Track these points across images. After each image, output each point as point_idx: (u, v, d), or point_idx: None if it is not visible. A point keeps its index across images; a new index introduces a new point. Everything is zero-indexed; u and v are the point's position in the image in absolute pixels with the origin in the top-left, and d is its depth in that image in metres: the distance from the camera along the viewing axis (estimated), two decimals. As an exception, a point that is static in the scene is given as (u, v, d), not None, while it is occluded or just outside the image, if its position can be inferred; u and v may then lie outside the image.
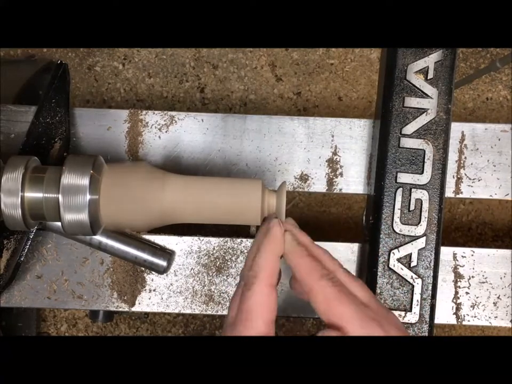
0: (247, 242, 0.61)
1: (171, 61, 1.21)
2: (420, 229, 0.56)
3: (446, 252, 0.61)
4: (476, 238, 1.19)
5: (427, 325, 0.56)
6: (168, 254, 0.59)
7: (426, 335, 0.56)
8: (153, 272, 0.60)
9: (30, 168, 0.47)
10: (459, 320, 0.61)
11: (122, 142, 0.63)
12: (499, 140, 0.63)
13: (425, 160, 0.57)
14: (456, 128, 0.63)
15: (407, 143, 0.57)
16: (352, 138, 0.63)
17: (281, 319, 1.11)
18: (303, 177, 0.63)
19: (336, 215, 1.16)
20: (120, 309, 0.61)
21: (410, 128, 0.57)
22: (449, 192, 0.62)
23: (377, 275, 0.56)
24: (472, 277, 0.61)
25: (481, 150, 0.63)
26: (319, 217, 1.16)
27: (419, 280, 0.56)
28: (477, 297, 0.61)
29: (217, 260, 0.61)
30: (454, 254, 0.62)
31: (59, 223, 0.47)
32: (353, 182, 0.63)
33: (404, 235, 0.56)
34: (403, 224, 0.56)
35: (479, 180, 0.63)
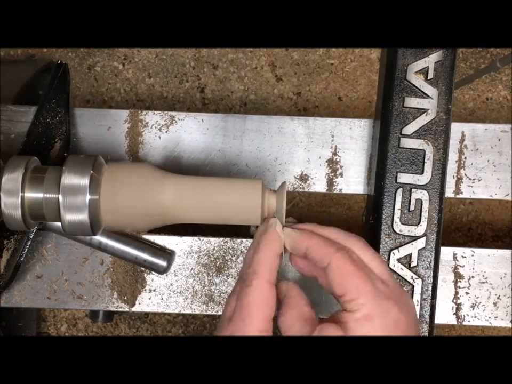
0: (247, 242, 0.61)
1: (171, 61, 1.21)
2: (420, 229, 0.56)
3: (446, 252, 0.61)
4: (476, 238, 1.19)
5: (427, 325, 0.56)
6: (168, 254, 0.59)
7: (427, 335, 0.56)
8: (153, 272, 0.60)
9: (30, 169, 0.47)
10: (459, 320, 0.61)
11: (122, 142, 0.63)
12: (499, 140, 0.63)
13: (425, 160, 0.57)
14: (456, 128, 0.63)
15: (407, 143, 0.57)
16: (352, 139, 0.63)
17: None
18: (303, 177, 0.63)
19: (336, 215, 1.16)
20: (120, 309, 0.61)
21: (410, 128, 0.57)
22: (449, 192, 0.62)
23: (377, 275, 0.56)
24: (472, 277, 0.61)
25: (481, 150, 0.63)
26: (319, 217, 1.16)
27: (419, 280, 0.56)
28: (477, 298, 0.61)
29: (217, 260, 0.61)
30: (454, 254, 0.62)
31: (59, 223, 0.47)
32: (353, 182, 0.63)
33: (404, 235, 0.56)
34: (403, 224, 0.56)
35: (479, 180, 0.63)
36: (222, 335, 0.42)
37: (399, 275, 0.56)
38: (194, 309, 0.61)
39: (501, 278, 0.61)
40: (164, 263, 0.59)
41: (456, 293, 0.61)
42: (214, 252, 0.61)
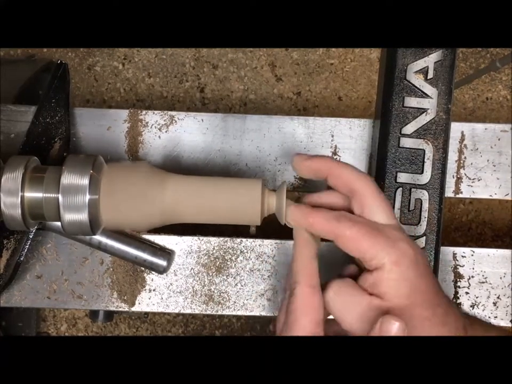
0: (247, 242, 0.61)
1: (171, 61, 1.21)
2: (420, 229, 0.56)
3: (446, 252, 0.61)
4: (476, 238, 1.19)
5: (427, 325, 0.56)
6: (168, 254, 0.59)
7: (426, 335, 0.56)
8: (153, 272, 0.60)
9: (30, 168, 0.47)
10: (459, 320, 0.61)
11: (122, 142, 0.63)
12: (499, 139, 0.63)
13: (425, 160, 0.57)
14: (456, 128, 0.63)
15: (407, 143, 0.57)
16: (352, 138, 0.63)
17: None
18: (303, 177, 0.63)
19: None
20: (120, 309, 0.61)
21: (410, 128, 0.57)
22: (449, 192, 0.62)
23: (377, 275, 0.56)
24: (472, 277, 0.61)
25: (481, 150, 0.63)
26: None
27: (419, 280, 0.56)
28: (476, 297, 0.61)
29: (217, 259, 0.61)
30: (454, 254, 0.62)
31: (59, 223, 0.47)
32: (353, 182, 0.63)
33: (403, 235, 0.56)
34: (403, 224, 0.56)
35: (479, 180, 0.63)
36: None
37: (399, 275, 0.56)
38: (194, 309, 0.61)
39: (501, 278, 0.61)
40: (163, 263, 0.59)
41: (456, 292, 0.61)
42: (214, 251, 0.61)
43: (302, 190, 0.63)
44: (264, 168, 0.63)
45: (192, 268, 0.61)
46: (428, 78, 0.57)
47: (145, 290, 0.61)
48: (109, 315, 1.00)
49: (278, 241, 0.61)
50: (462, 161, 0.63)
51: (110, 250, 0.58)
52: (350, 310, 0.42)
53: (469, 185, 0.63)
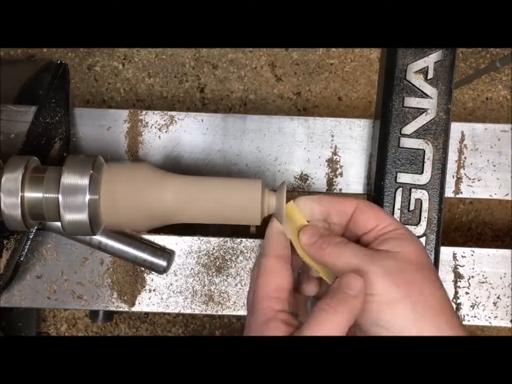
0: (247, 242, 0.61)
1: (171, 61, 1.21)
2: (420, 229, 0.56)
3: (446, 252, 0.61)
4: (476, 238, 1.19)
5: (427, 325, 0.56)
6: (168, 254, 0.59)
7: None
8: (153, 272, 0.60)
9: (30, 168, 0.47)
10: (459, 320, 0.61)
11: (122, 142, 0.63)
12: (499, 139, 0.63)
13: (425, 160, 0.57)
14: (456, 128, 0.63)
15: (407, 143, 0.57)
16: (352, 138, 0.63)
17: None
18: (303, 177, 0.63)
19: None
20: (120, 309, 0.61)
21: (410, 128, 0.57)
22: (449, 192, 0.62)
23: (377, 275, 0.56)
24: (472, 277, 0.61)
25: (481, 150, 0.63)
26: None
27: (419, 280, 0.56)
28: (476, 297, 0.61)
29: (217, 259, 0.61)
30: (454, 254, 0.62)
31: (59, 223, 0.47)
32: (353, 182, 0.63)
33: (403, 235, 0.56)
34: (403, 224, 0.56)
35: (479, 180, 0.63)
36: (247, 318, 0.43)
37: (399, 275, 0.56)
38: (194, 309, 0.61)
39: (501, 278, 0.61)
40: (163, 263, 0.59)
41: (456, 292, 0.61)
42: (214, 251, 0.61)
43: (302, 190, 0.63)
44: (264, 168, 0.63)
45: (192, 268, 0.61)
46: (428, 78, 0.57)
47: (145, 290, 0.61)
48: (109, 315, 1.00)
49: (278, 241, 0.60)
50: (462, 161, 0.63)
51: (110, 251, 0.58)
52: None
53: (469, 185, 0.63)
